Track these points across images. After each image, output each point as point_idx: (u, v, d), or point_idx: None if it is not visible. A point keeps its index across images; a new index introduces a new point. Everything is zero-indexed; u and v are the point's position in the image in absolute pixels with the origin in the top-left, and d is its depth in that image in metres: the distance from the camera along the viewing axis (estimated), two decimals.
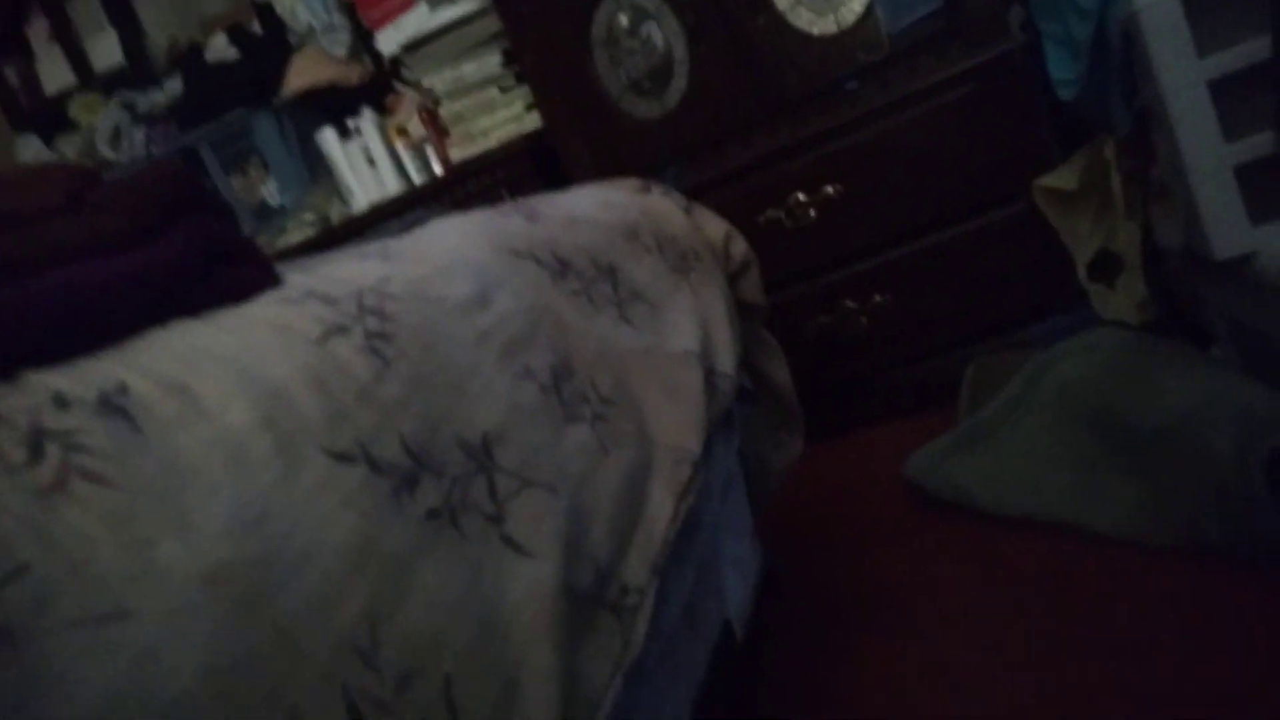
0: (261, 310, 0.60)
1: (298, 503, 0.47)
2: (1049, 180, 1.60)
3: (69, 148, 2.56)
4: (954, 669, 1.07)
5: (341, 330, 0.60)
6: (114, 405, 0.45)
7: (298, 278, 0.66)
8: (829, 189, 1.77)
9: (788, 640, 1.26)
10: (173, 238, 0.56)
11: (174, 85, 2.37)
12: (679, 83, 1.84)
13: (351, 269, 0.70)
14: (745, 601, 1.12)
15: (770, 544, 1.30)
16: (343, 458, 0.52)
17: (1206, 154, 1.03)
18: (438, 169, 2.17)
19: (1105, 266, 1.59)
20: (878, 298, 1.81)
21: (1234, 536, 1.00)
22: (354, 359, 0.58)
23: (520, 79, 2.05)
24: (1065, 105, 1.55)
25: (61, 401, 0.44)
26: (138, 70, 2.49)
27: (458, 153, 2.12)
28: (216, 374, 0.51)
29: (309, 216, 2.27)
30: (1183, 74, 1.02)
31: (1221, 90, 1.01)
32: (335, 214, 2.26)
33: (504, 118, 2.08)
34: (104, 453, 0.43)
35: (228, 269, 0.62)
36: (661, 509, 0.76)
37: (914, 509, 1.45)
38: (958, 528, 1.35)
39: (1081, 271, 1.60)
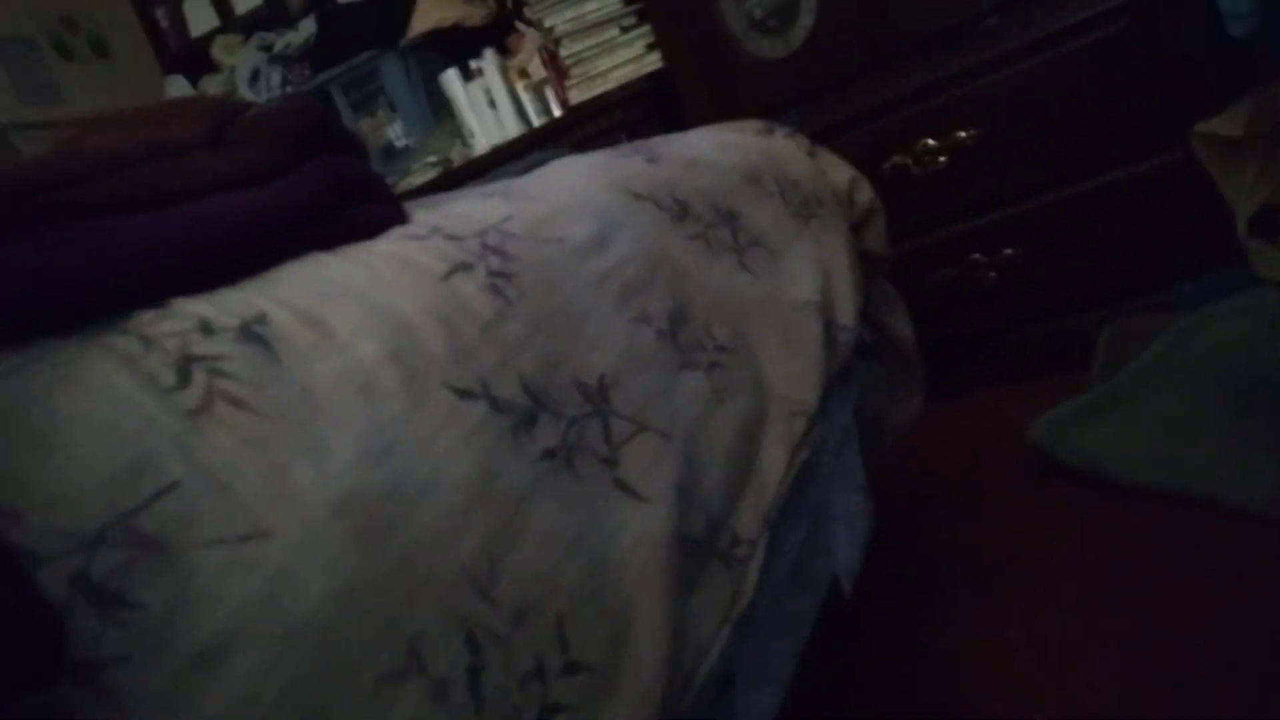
0: (390, 246, 0.61)
1: (422, 436, 0.48)
2: (1211, 125, 1.47)
3: (212, 88, 2.68)
4: (1070, 646, 1.02)
5: (465, 268, 0.60)
6: (255, 334, 0.47)
7: (424, 214, 0.67)
8: (961, 134, 1.68)
9: (895, 602, 1.24)
10: (307, 172, 0.58)
11: (308, 26, 2.44)
12: (805, 20, 1.76)
13: (476, 208, 0.70)
14: (854, 559, 1.10)
15: (885, 503, 1.28)
16: (465, 394, 0.52)
17: None
18: (557, 111, 2.17)
19: (1270, 223, 1.45)
20: (1009, 251, 1.71)
21: None
22: (477, 296, 0.58)
23: (642, 18, 2.02)
24: (1233, 42, 1.42)
25: (207, 328, 0.46)
26: (275, 12, 2.57)
27: (577, 94, 2.11)
28: (348, 307, 0.52)
29: (432, 158, 2.31)
30: None
31: None
32: (457, 155, 2.30)
33: (624, 58, 2.05)
34: (245, 379, 0.44)
35: (359, 204, 0.63)
36: (775, 461, 0.74)
37: (1038, 476, 1.39)
38: (1085, 498, 1.28)
39: (1242, 226, 1.47)
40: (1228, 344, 1.24)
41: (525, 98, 2.20)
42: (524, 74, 2.18)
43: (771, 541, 0.71)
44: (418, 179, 2.31)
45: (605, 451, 0.60)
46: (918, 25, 1.67)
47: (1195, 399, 1.26)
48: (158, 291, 0.48)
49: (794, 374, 0.82)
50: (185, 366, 0.43)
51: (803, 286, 0.93)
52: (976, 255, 1.74)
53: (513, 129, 2.20)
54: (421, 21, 2.30)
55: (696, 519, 0.64)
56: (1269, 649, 0.89)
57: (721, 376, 0.75)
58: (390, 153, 2.44)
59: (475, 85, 2.22)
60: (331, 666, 0.38)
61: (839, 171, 1.14)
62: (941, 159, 1.71)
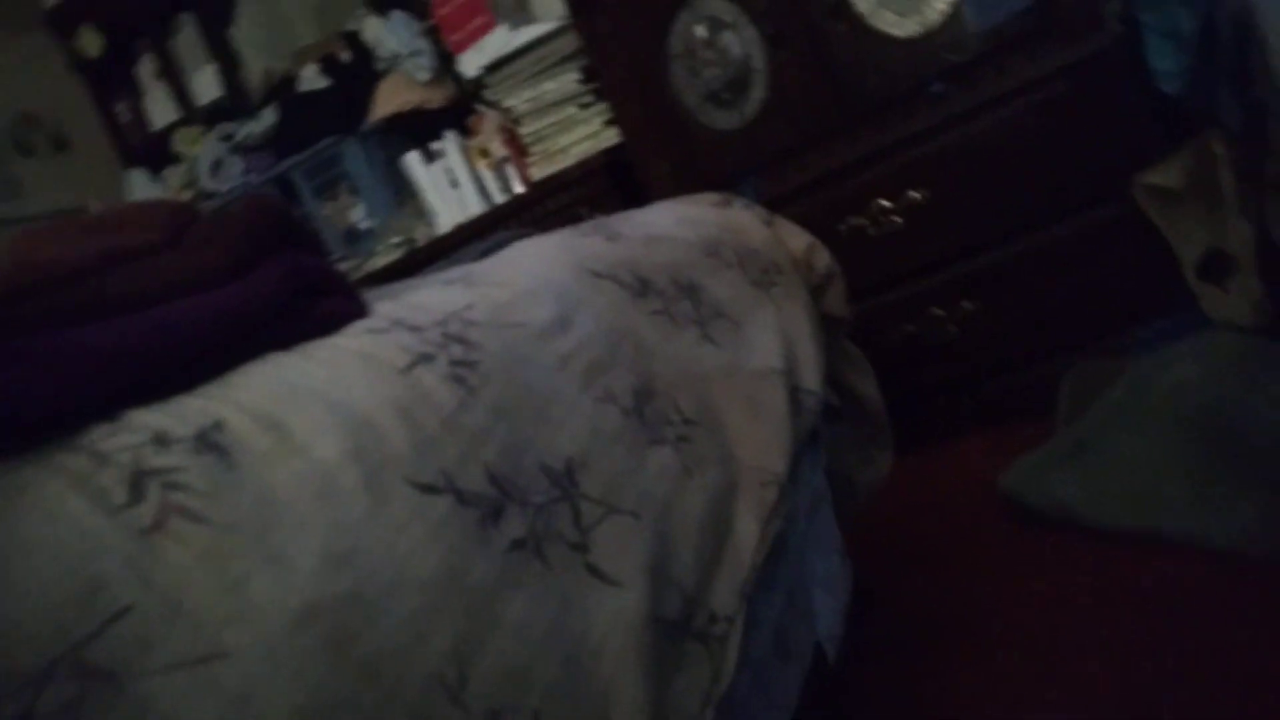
0: (350, 341, 0.61)
1: (386, 536, 0.48)
2: (1152, 177, 1.52)
3: (174, 179, 2.69)
4: (1056, 695, 1.01)
5: (427, 359, 0.60)
6: (211, 442, 0.47)
7: (384, 306, 0.68)
8: (914, 195, 1.72)
9: (881, 660, 1.22)
10: (267, 272, 0.58)
11: (269, 115, 2.47)
12: (758, 92, 1.82)
13: (436, 296, 0.71)
14: (836, 622, 1.09)
15: (861, 561, 1.27)
16: (428, 489, 0.52)
17: None
18: (518, 188, 2.20)
19: (1216, 267, 1.50)
20: (967, 305, 1.75)
21: None
22: (439, 387, 0.58)
23: (599, 95, 2.07)
24: (1167, 99, 1.48)
25: (162, 440, 0.46)
26: (236, 102, 2.60)
27: (537, 171, 2.15)
28: (308, 407, 0.52)
29: (395, 239, 2.33)
30: None
31: None
32: (420, 236, 2.32)
33: (583, 134, 2.09)
34: (201, 490, 0.44)
35: (318, 300, 0.63)
36: (748, 533, 0.74)
37: (1012, 524, 1.39)
38: (1060, 544, 1.29)
39: (1190, 272, 1.52)
40: (1186, 385, 1.27)
41: (486, 176, 2.23)
42: (485, 153, 2.22)
43: (750, 615, 0.71)
44: (382, 260, 2.32)
45: (575, 537, 0.59)
46: (867, 94, 1.73)
47: (1159, 441, 1.28)
48: (113, 404, 0.47)
49: (762, 443, 0.83)
50: (138, 482, 0.43)
51: (766, 354, 0.94)
52: (936, 310, 1.77)
53: (475, 207, 2.23)
54: (383, 106, 2.34)
55: (671, 599, 0.63)
56: (1252, 686, 0.89)
57: (689, 451, 0.75)
58: (353, 235, 2.46)
59: (437, 166, 2.25)
60: None
61: (796, 239, 1.16)
62: (896, 219, 1.75)
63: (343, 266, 2.29)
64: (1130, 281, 1.62)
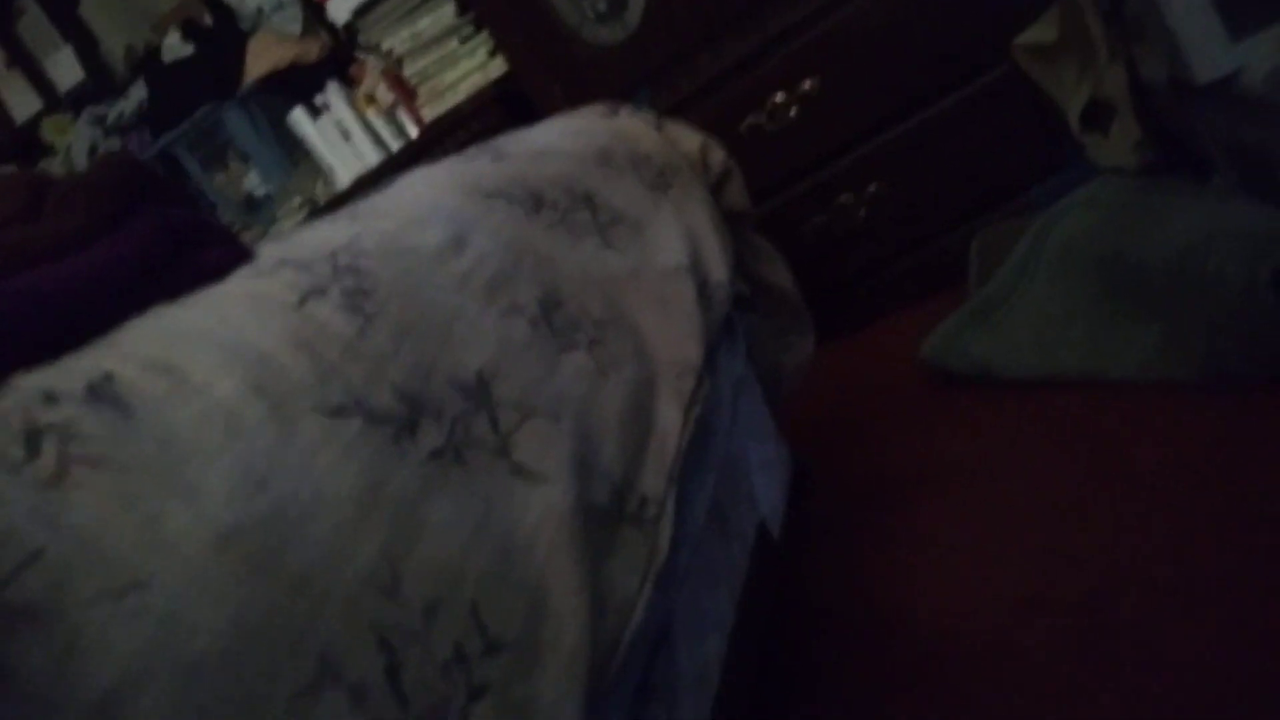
0: (237, 285, 0.60)
1: (298, 461, 0.48)
2: (1027, 37, 1.55)
3: (53, 170, 2.56)
4: (992, 540, 1.08)
5: (318, 292, 0.60)
6: (102, 393, 0.46)
7: (269, 249, 0.67)
8: (806, 84, 1.73)
9: (826, 534, 1.28)
10: (134, 228, 0.57)
11: (138, 91, 2.35)
12: (636, 1, 1.79)
13: (322, 233, 0.70)
14: (777, 502, 1.14)
15: (798, 443, 1.31)
16: (337, 412, 0.53)
17: None
18: (413, 131, 2.15)
19: (1097, 115, 1.54)
20: (873, 187, 1.78)
21: (1252, 359, 0.99)
22: (334, 318, 0.58)
23: (478, 25, 2.01)
24: None
25: (51, 397, 0.45)
26: (100, 82, 2.47)
27: (429, 111, 2.10)
28: (201, 350, 0.52)
29: (296, 201, 2.26)
30: None
31: None
32: (321, 194, 2.26)
33: (469, 68, 2.05)
34: (100, 438, 0.44)
35: (198, 251, 0.62)
36: (670, 421, 0.76)
37: (936, 390, 1.45)
38: (981, 401, 1.35)
39: (1074, 124, 1.57)
40: (1077, 232, 1.32)
41: (378, 124, 2.17)
42: (372, 100, 2.16)
43: (681, 496, 0.73)
44: (286, 224, 2.26)
45: (495, 442, 0.61)
46: None
47: (1062, 288, 1.34)
48: None
49: (675, 337, 0.85)
50: (33, 438, 0.42)
51: (670, 253, 0.95)
52: (844, 197, 1.80)
53: (372, 157, 2.17)
54: (256, 66, 2.25)
55: (600, 489, 0.65)
56: (1164, 499, 0.96)
57: (603, 352, 0.76)
58: (252, 203, 2.38)
59: (325, 121, 2.18)
60: (240, 693, 0.38)
61: (688, 139, 1.17)
62: (793, 111, 1.76)
63: (246, 237, 2.22)
64: (1022, 142, 1.67)
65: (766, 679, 1.00)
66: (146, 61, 2.34)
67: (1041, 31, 1.54)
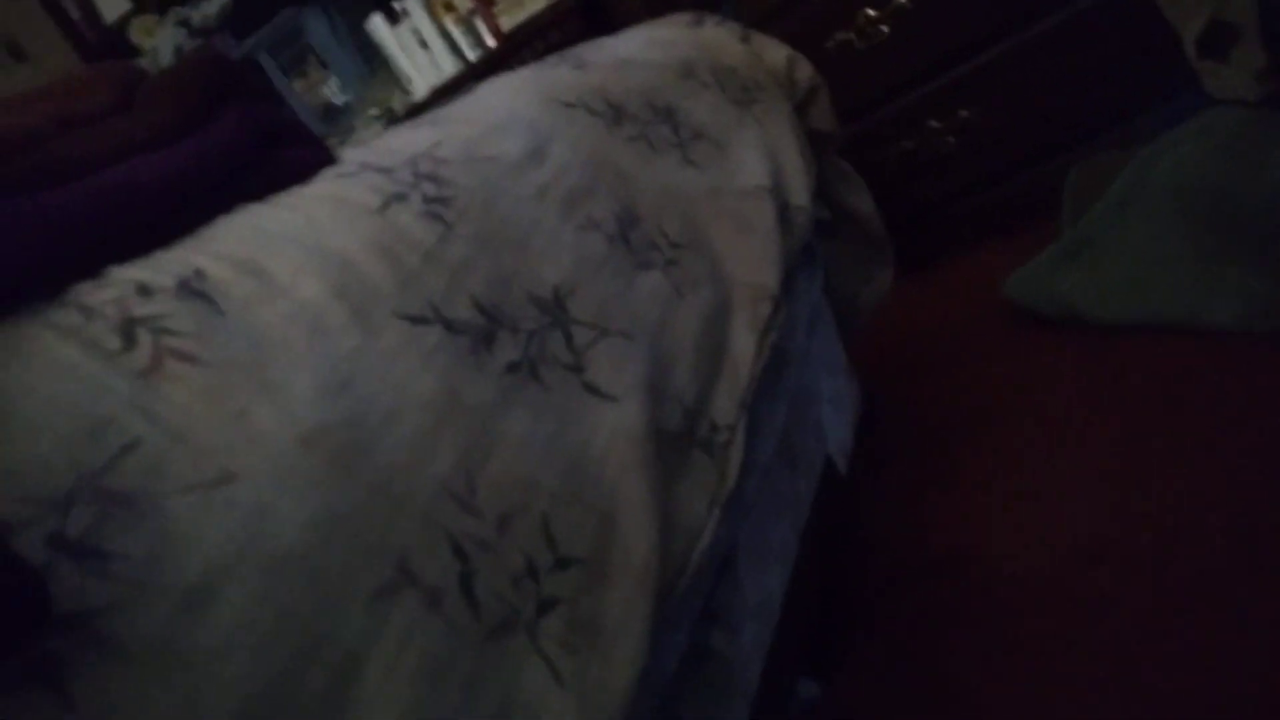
0: (320, 187, 0.60)
1: (380, 365, 0.49)
2: None
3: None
4: (1058, 486, 1.05)
5: (400, 198, 0.60)
6: (194, 289, 0.47)
7: (352, 153, 0.67)
8: None
9: (893, 471, 1.26)
10: (221, 125, 0.57)
11: None
12: None
13: (403, 138, 0.69)
14: (846, 437, 1.12)
15: (872, 378, 1.29)
16: (417, 320, 0.53)
17: None
18: (491, 41, 2.12)
19: (1217, 39, 1.43)
20: (964, 112, 1.69)
21: None
22: (415, 225, 0.58)
23: None
24: None
25: (145, 290, 0.46)
26: None
27: (508, 21, 2.06)
28: (286, 252, 0.52)
29: (374, 111, 2.26)
30: None
31: None
32: (399, 104, 2.25)
33: None
34: (192, 333, 0.45)
35: (282, 151, 0.62)
36: (745, 347, 0.75)
37: (1019, 330, 1.40)
38: (1065, 344, 1.30)
39: (1190, 49, 1.46)
40: (1185, 168, 1.24)
41: (456, 33, 2.14)
42: (450, 7, 2.12)
43: (752, 424, 0.72)
44: (365, 134, 2.27)
45: (570, 359, 0.60)
46: None
47: (1160, 228, 1.27)
48: (90, 263, 0.48)
49: (753, 260, 0.83)
50: (129, 329, 0.43)
51: (751, 173, 0.92)
52: (933, 122, 1.72)
53: (449, 67, 2.15)
54: None
55: (671, 411, 0.65)
56: (1258, 463, 0.91)
57: (679, 272, 0.75)
58: (330, 111, 2.39)
59: (403, 28, 2.16)
60: (321, 590, 0.39)
61: (775, 53, 1.12)
62: (884, 28, 1.68)
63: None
64: (1130, 67, 1.56)
65: (827, 611, 1.01)
66: None
67: None
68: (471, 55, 2.15)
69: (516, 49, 2.03)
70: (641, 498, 0.55)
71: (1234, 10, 1.38)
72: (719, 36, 1.07)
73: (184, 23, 2.41)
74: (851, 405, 1.17)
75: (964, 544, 1.05)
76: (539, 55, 1.98)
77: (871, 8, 1.66)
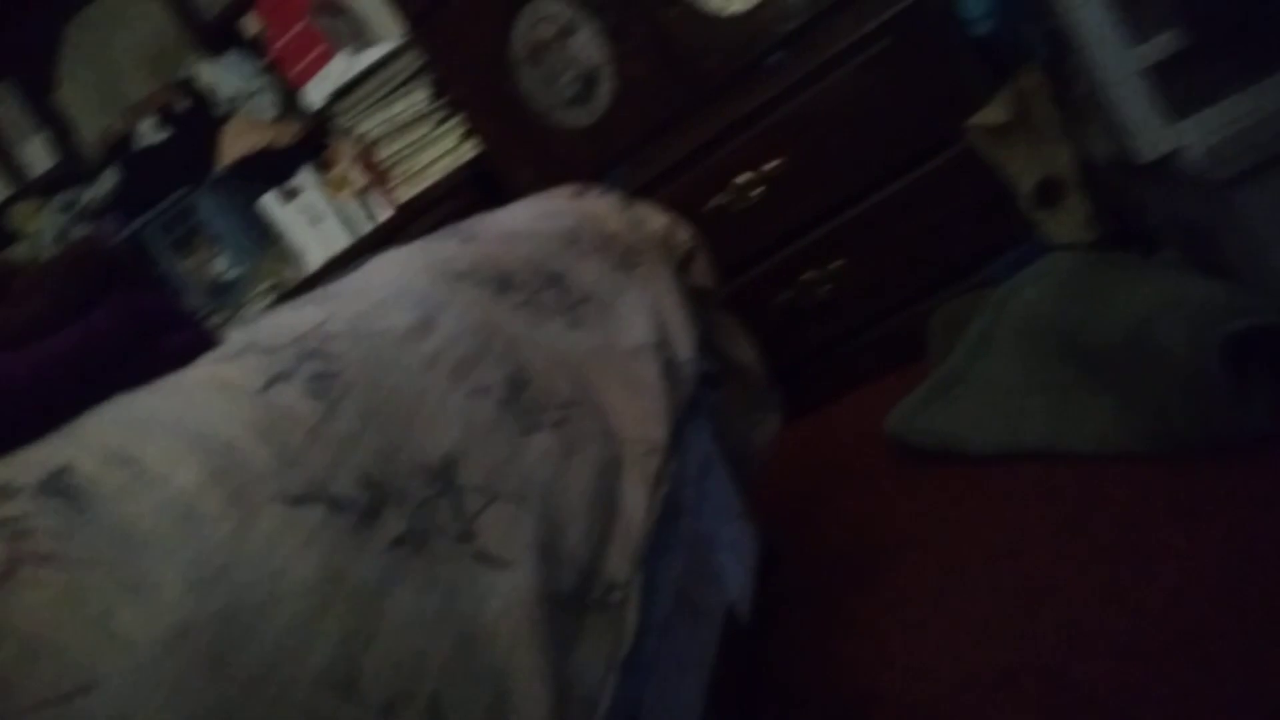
0: (201, 371, 0.60)
1: (256, 552, 0.47)
2: (980, 118, 1.62)
3: (19, 258, 2.55)
4: (961, 614, 1.07)
5: (284, 376, 0.60)
6: (58, 486, 0.46)
7: (236, 335, 0.67)
8: (771, 165, 1.78)
9: (796, 613, 1.27)
10: (100, 314, 0.57)
11: (110, 177, 2.37)
12: (606, 86, 1.85)
13: (290, 317, 0.70)
14: (746, 584, 1.12)
15: (767, 522, 1.31)
16: (299, 500, 0.52)
17: (1115, 61, 1.04)
18: (385, 214, 2.18)
19: (1048, 193, 1.60)
20: (835, 264, 1.82)
21: (1203, 428, 1.02)
22: (299, 402, 0.58)
23: (452, 109, 2.06)
24: (985, 42, 1.57)
25: (5, 492, 0.45)
26: (72, 168, 2.48)
27: (402, 194, 2.13)
28: (161, 439, 0.51)
29: (265, 285, 2.27)
30: None
31: None
32: (290, 277, 2.26)
33: (443, 150, 2.09)
34: (53, 533, 0.43)
35: (164, 337, 0.62)
36: (636, 501, 0.76)
37: (902, 465, 1.46)
38: (946, 475, 1.36)
39: (1025, 202, 1.62)
40: (1032, 307, 1.35)
41: (350, 207, 2.19)
42: (345, 183, 2.18)
43: (647, 580, 0.73)
44: (254, 307, 2.26)
45: (459, 528, 0.60)
46: (710, 74, 1.78)
47: (1020, 361, 1.36)
48: None
49: (641, 415, 0.85)
50: None
51: (637, 331, 0.96)
52: (809, 273, 1.84)
53: (343, 240, 2.19)
54: (230, 151, 2.28)
55: (566, 575, 0.65)
56: (1134, 571, 0.96)
57: (569, 431, 0.77)
58: (220, 288, 2.38)
59: (296, 204, 2.20)
60: None
61: (655, 218, 1.19)
62: (758, 190, 1.81)
63: (213, 320, 2.22)
64: (979, 219, 1.72)
65: None
66: (120, 147, 2.37)
67: (994, 113, 1.60)
68: (365, 228, 2.20)
69: (411, 220, 2.09)
70: (535, 666, 0.54)
71: (1059, 167, 1.55)
72: (602, 206, 1.14)
73: (69, 206, 2.40)
74: (750, 550, 1.18)
75: (874, 680, 1.05)
76: (434, 226, 2.04)
77: (746, 172, 1.80)
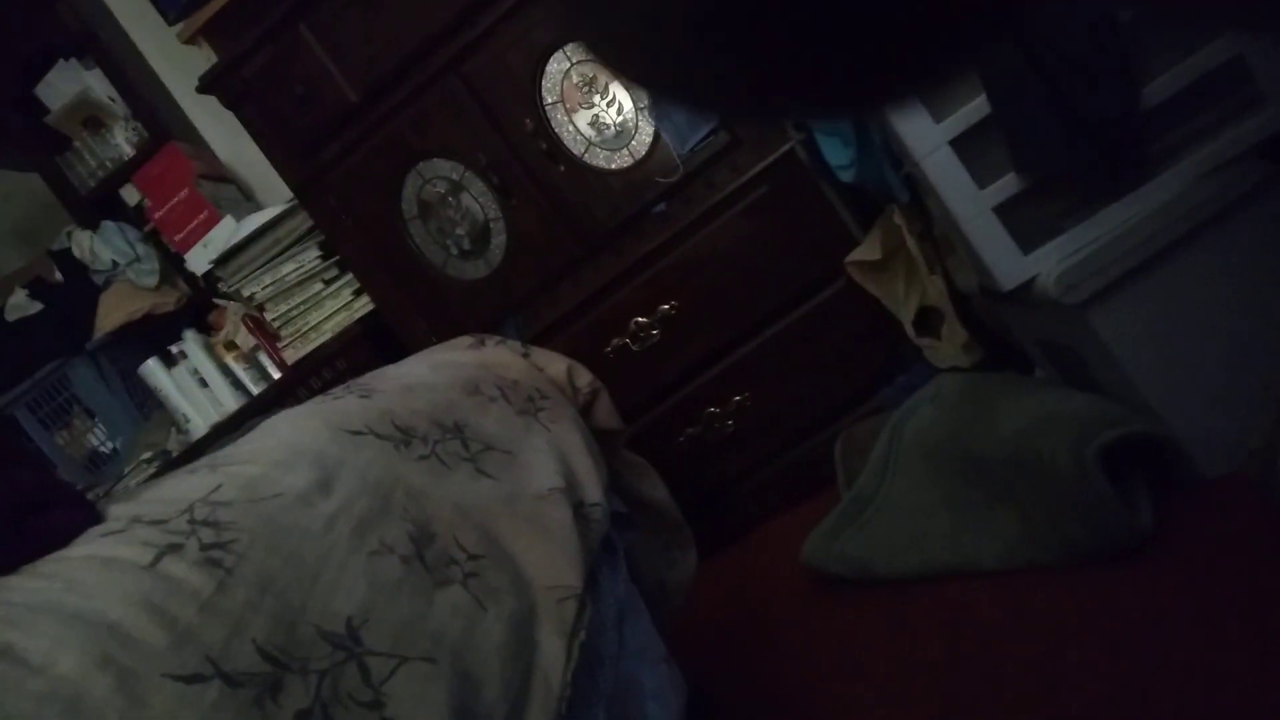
0: (84, 549, 0.56)
1: None
2: (857, 255, 1.73)
3: None
4: None
5: (174, 549, 0.57)
6: None
7: (120, 508, 0.63)
8: (664, 307, 1.85)
9: None
10: None
11: None
12: (499, 239, 1.90)
13: (179, 486, 0.67)
14: None
15: (695, 663, 1.27)
16: (192, 679, 0.48)
17: (967, 204, 1.14)
18: (275, 374, 2.13)
19: (928, 321, 1.70)
20: (737, 398, 1.86)
21: (1098, 536, 1.06)
22: (191, 575, 0.55)
23: (343, 268, 2.07)
24: (853, 186, 1.70)
25: None
26: None
27: (293, 353, 2.09)
28: (42, 625, 0.47)
29: (147, 454, 2.15)
30: (927, 140, 1.14)
31: (964, 145, 1.14)
32: (175, 445, 2.16)
33: (334, 308, 2.07)
34: None
35: (41, 516, 0.58)
36: (554, 653, 0.74)
37: (821, 592, 1.46)
38: (865, 601, 1.36)
39: (909, 330, 1.72)
40: (926, 429, 1.41)
41: (238, 369, 2.14)
42: (232, 346, 2.13)
43: None
44: (136, 479, 2.14)
45: (367, 695, 0.57)
46: (599, 224, 1.86)
47: (917, 484, 1.41)
48: None
49: (553, 562, 0.83)
50: None
51: (543, 477, 0.95)
52: (711, 409, 1.88)
53: (231, 403, 2.12)
54: (109, 318, 2.21)
55: None
56: (1054, 685, 0.98)
57: (479, 584, 0.74)
58: (97, 459, 2.25)
59: (180, 369, 2.13)
60: None
61: (555, 364, 1.20)
62: (655, 332, 1.86)
63: (90, 495, 2.08)
64: (868, 347, 1.81)
65: None
66: None
67: (867, 250, 1.71)
68: (255, 389, 2.14)
69: (303, 379, 2.05)
70: None
71: (934, 297, 1.66)
72: (500, 354, 1.14)
73: None
74: (676, 695, 1.14)
75: None
76: (326, 383, 2.01)
77: (641, 316, 1.85)
